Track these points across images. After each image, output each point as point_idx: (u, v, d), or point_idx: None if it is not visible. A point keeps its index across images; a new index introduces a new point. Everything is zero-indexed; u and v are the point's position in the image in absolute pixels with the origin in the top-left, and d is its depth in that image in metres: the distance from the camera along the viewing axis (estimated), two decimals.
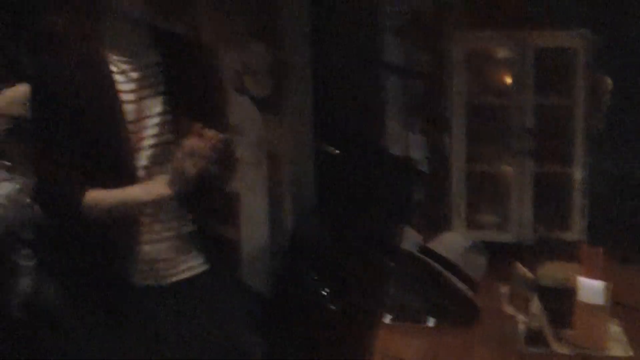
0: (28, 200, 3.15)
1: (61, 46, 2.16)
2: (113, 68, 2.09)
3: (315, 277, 3.64)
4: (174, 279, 2.22)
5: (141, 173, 2.11)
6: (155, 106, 2.12)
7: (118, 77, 2.09)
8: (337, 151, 4.66)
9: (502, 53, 4.61)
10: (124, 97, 2.09)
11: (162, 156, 2.11)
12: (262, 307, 3.47)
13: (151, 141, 2.11)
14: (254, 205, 4.42)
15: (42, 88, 2.07)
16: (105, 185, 2.08)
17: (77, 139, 2.04)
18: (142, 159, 2.11)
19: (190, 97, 2.16)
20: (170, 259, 2.21)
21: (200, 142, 1.94)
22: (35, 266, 3.16)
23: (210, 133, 1.95)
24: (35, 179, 2.18)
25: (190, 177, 1.98)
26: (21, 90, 3.45)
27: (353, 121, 4.86)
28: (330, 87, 4.89)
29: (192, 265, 2.25)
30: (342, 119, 4.85)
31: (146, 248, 2.16)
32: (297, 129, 4.80)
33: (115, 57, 2.10)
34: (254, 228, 4.41)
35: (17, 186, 3.08)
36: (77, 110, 2.03)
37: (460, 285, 2.92)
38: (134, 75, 2.11)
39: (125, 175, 2.08)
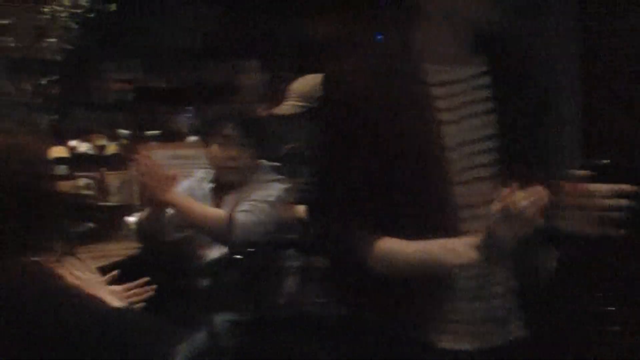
0: (293, 200, 3.18)
1: (366, 49, 1.74)
2: (430, 79, 1.63)
3: (599, 294, 3.37)
4: (499, 342, 1.70)
5: (460, 214, 1.61)
6: (480, 128, 1.64)
7: (435, 91, 1.63)
8: (607, 161, 4.31)
9: None
10: (442, 116, 1.62)
11: (487, 194, 1.58)
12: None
13: (474, 173, 1.62)
14: None
15: (339, 94, 1.66)
16: (408, 230, 1.59)
17: (376, 164, 1.60)
18: (461, 196, 1.61)
19: (524, 119, 1.67)
20: (496, 319, 1.70)
21: (527, 201, 1.44)
22: (300, 267, 3.18)
23: (538, 191, 1.45)
24: (313, 189, 1.75)
25: (511, 244, 1.51)
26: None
27: (627, 129, 4.50)
28: (601, 92, 4.56)
29: (517, 327, 1.72)
30: (614, 126, 4.51)
31: (468, 306, 1.66)
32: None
33: (432, 66, 1.64)
34: None
35: (285, 186, 3.10)
36: (380, 126, 1.60)
37: None
38: (456, 88, 1.64)
39: (437, 217, 1.60)
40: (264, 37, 5.85)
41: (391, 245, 1.60)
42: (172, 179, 2.86)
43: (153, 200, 2.84)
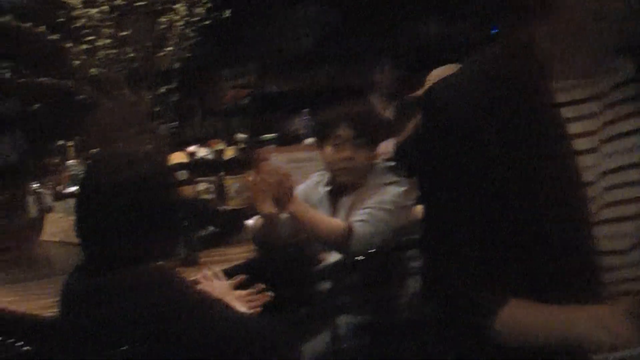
0: (411, 202, 3.12)
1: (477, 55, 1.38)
2: (560, 97, 1.30)
3: None
4: None
5: (602, 262, 1.28)
6: (624, 154, 1.29)
7: (567, 112, 1.30)
8: None
9: None
10: (577, 143, 1.28)
11: (634, 236, 1.28)
12: None
13: (618, 211, 1.29)
14: None
15: (442, 114, 1.33)
16: (538, 286, 1.29)
17: (494, 203, 1.28)
18: (603, 240, 1.28)
19: None
20: None
21: None
22: (421, 268, 3.12)
23: None
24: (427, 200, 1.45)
25: None
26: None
27: None
28: None
29: None
30: None
31: None
32: None
33: (563, 81, 1.30)
34: None
35: (403, 189, 3.04)
36: (498, 158, 1.27)
37: None
38: (593, 107, 1.30)
39: (573, 267, 1.27)
40: (377, 37, 5.83)
41: (523, 310, 1.30)
42: (291, 188, 2.86)
43: (269, 208, 2.85)
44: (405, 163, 3.36)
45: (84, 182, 2.06)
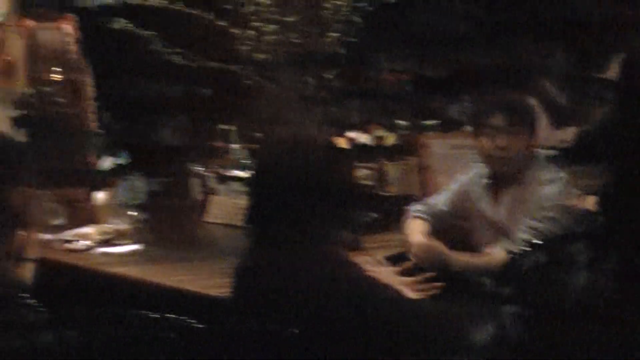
0: (576, 194, 2.99)
1: None
2: None
3: None
4: None
5: None
6: None
7: None
8: None
9: None
10: None
11: None
12: None
13: None
14: None
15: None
16: None
17: None
18: None
19: None
20: None
21: None
22: (591, 260, 3.01)
23: None
24: None
25: None
26: None
27: None
28: None
29: None
30: None
31: None
32: None
33: None
34: None
35: (564, 186, 2.91)
36: None
37: None
38: None
39: None
40: (543, 18, 5.64)
41: None
42: (440, 248, 2.84)
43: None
44: (587, 152, 3.23)
45: (256, 167, 2.10)
